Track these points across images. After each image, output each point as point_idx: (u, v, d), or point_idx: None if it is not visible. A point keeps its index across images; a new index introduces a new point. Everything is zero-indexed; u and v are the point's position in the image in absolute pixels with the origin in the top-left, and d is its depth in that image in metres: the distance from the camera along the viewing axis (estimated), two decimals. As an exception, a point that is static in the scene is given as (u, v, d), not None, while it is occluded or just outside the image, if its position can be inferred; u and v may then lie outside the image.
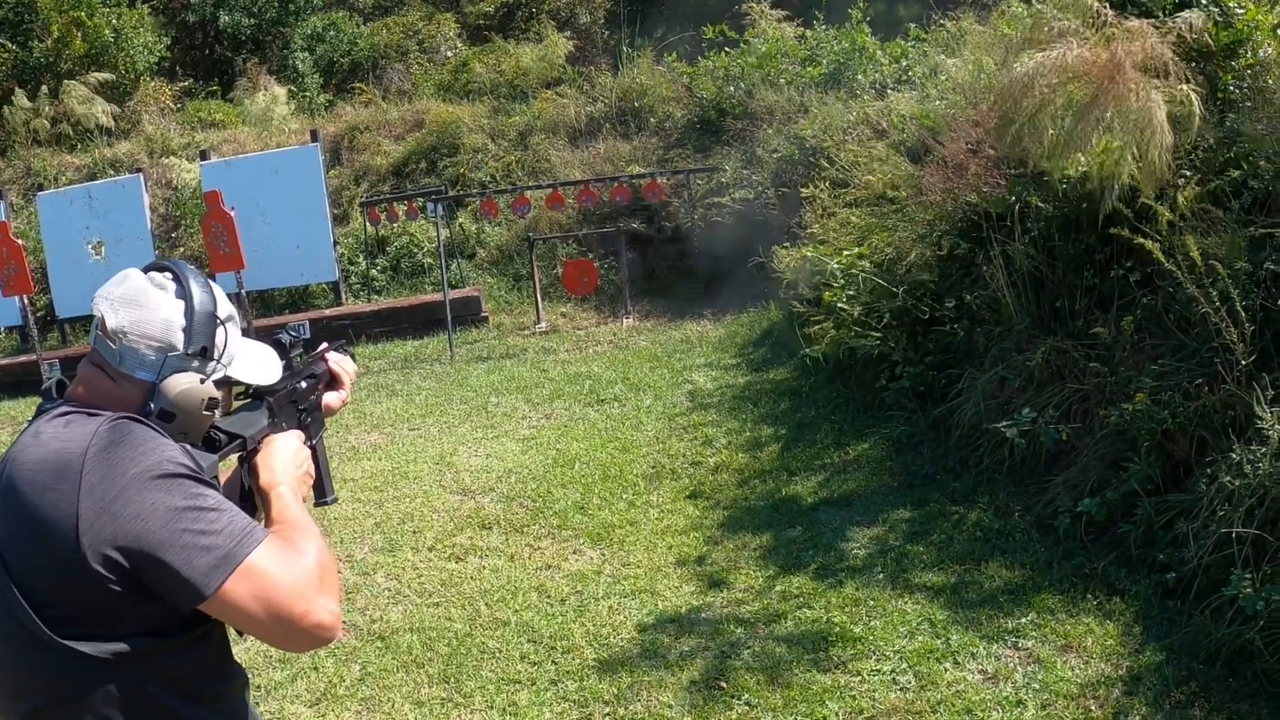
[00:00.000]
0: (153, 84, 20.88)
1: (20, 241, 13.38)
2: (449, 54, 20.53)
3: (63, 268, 15.44)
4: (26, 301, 13.80)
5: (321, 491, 2.61)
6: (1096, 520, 5.27)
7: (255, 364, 2.36)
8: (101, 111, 18.92)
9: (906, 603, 5.09)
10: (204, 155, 15.78)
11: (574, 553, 6.33)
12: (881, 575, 5.41)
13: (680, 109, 15.23)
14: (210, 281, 2.25)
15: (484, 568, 6.29)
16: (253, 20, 22.42)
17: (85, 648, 1.92)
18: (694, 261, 12.84)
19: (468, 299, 13.53)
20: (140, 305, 2.12)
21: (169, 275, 2.19)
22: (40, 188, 16.79)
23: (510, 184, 14.97)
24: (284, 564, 1.99)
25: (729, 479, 7.13)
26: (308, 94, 20.13)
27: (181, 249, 16.35)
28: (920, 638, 4.76)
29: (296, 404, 2.50)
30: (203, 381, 2.13)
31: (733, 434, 7.91)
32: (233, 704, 2.20)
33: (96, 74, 19.59)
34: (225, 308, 2.25)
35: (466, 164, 15.97)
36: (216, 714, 2.13)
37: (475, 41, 20.86)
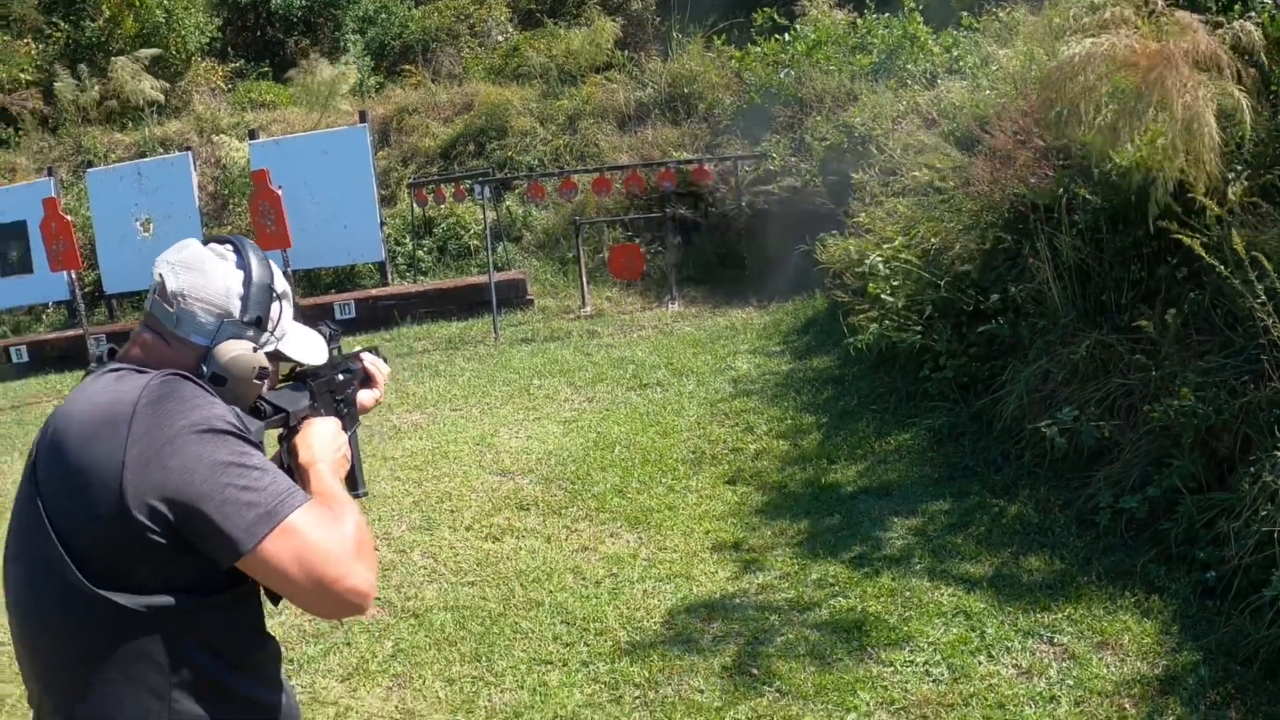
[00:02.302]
0: (204, 64, 21.02)
1: (69, 218, 13.48)
2: (500, 38, 20.53)
3: (111, 244, 15.59)
4: (74, 277, 13.90)
5: (354, 484, 2.61)
6: (1137, 517, 5.21)
7: (305, 344, 2.42)
8: (150, 87, 19.04)
9: (943, 594, 5.05)
10: (252, 134, 15.87)
11: (611, 535, 6.33)
12: (919, 566, 5.38)
13: (729, 95, 15.18)
14: (268, 258, 2.29)
15: (520, 548, 6.30)
16: (304, 2, 22.52)
17: (121, 599, 1.92)
18: (740, 248, 12.78)
19: (513, 282, 13.54)
20: (200, 271, 2.15)
21: (230, 247, 2.24)
22: (90, 165, 16.95)
23: (558, 168, 14.96)
24: (323, 528, 2.01)
25: (769, 465, 7.11)
26: (360, 76, 20.17)
27: (229, 227, 16.47)
28: (955, 630, 4.73)
29: (334, 394, 2.55)
30: (255, 350, 2.17)
31: (774, 421, 7.89)
32: (268, 673, 2.21)
33: (146, 50, 19.72)
34: (281, 284, 2.31)
35: (515, 147, 15.98)
36: (252, 680, 2.14)
37: (526, 26, 20.84)
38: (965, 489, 6.15)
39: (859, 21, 14.52)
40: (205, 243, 2.25)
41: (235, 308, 2.16)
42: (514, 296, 13.41)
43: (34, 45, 21.23)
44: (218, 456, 1.95)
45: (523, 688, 4.75)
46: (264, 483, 1.97)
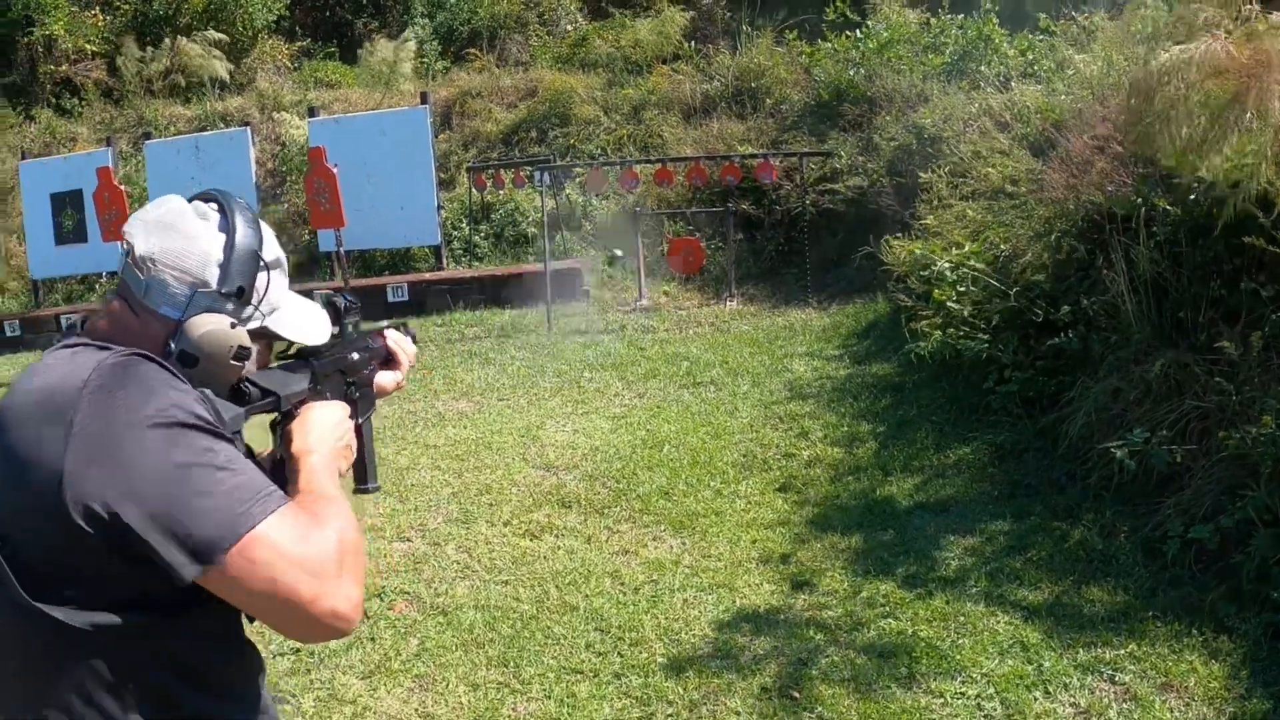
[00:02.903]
0: (269, 42, 21.04)
1: (123, 188, 13.46)
2: (569, 27, 20.40)
3: (166, 216, 15.50)
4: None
5: (363, 476, 2.36)
6: (1208, 548, 4.92)
7: (300, 320, 2.12)
8: (216, 59, 19.06)
9: (999, 621, 4.79)
10: (312, 112, 15.75)
11: (653, 539, 6.12)
12: (974, 589, 5.12)
13: (798, 91, 14.91)
14: (260, 221, 2.02)
15: (559, 548, 6.11)
16: (373, -17, 22.45)
17: (61, 614, 1.66)
18: (803, 247, 12.51)
19: (570, 271, 13.34)
20: (176, 232, 1.89)
21: (214, 205, 1.96)
22: (148, 136, 16.93)
23: (620, 158, 14.77)
24: (299, 538, 1.72)
25: (822, 474, 6.87)
26: (425, 59, 20.13)
27: (285, 204, 16.44)
28: (1010, 661, 4.47)
29: (345, 375, 2.27)
30: (234, 326, 1.88)
31: (829, 427, 7.64)
32: (242, 692, 1.95)
33: (213, 31, 19.75)
34: (272, 250, 2.02)
35: (577, 135, 15.81)
36: (222, 702, 1.88)
37: (595, 16, 20.69)
38: (1026, 509, 5.88)
39: (932, 21, 14.24)
40: (190, 200, 1.97)
41: (212, 276, 1.89)
42: (570, 286, 13.19)
43: (101, 17, 21.33)
44: (173, 455, 1.67)
45: (550, 698, 4.55)
46: (227, 485, 1.69)
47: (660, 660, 4.76)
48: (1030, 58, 12.04)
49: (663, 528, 6.27)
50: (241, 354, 1.89)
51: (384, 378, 2.44)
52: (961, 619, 4.85)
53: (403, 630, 5.27)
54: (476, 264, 14.76)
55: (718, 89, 15.56)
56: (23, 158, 17.39)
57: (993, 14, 13.03)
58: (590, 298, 13.17)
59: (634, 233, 13.05)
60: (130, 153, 17.54)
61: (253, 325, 1.97)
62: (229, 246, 1.91)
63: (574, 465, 7.41)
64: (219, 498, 1.67)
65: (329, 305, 2.27)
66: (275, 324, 2.05)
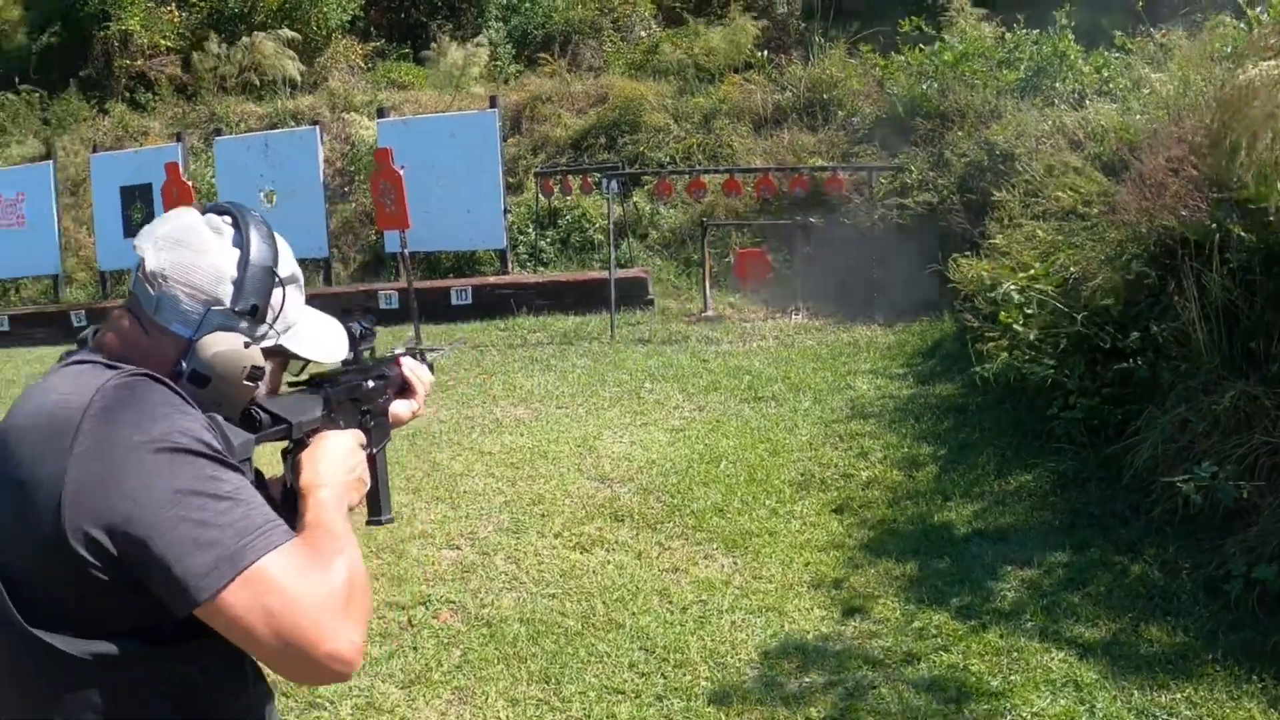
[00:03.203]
0: (343, 42, 21.19)
1: (189, 183, 13.57)
2: (642, 33, 20.36)
3: (234, 213, 15.62)
4: None
5: (377, 508, 2.30)
6: (1271, 590, 4.76)
7: (317, 338, 2.06)
8: (289, 59, 19.23)
9: (1053, 658, 4.66)
10: (381, 113, 15.83)
11: (705, 558, 6.04)
12: (1030, 623, 4.98)
13: (869, 104, 14.76)
14: (276, 235, 1.96)
15: (608, 562, 6.05)
16: (448, -15, 22.58)
17: (59, 643, 1.62)
18: (870, 262, 12.36)
19: (635, 279, 13.30)
20: (187, 247, 1.84)
21: (228, 219, 1.91)
22: (219, 133, 17.08)
23: (689, 166, 14.70)
24: (302, 576, 1.66)
25: (879, 496, 6.75)
26: (499, 62, 20.18)
27: (353, 204, 16.53)
28: (1063, 700, 4.34)
29: (360, 404, 2.21)
30: (247, 345, 1.83)
31: (890, 448, 7.51)
32: None
33: (286, 30, 19.92)
34: (288, 266, 1.97)
35: (646, 143, 15.76)
36: None
37: (670, 23, 20.64)
38: (1087, 541, 5.72)
39: (1007, 36, 14.04)
40: (204, 212, 1.92)
41: (225, 293, 1.83)
42: (634, 295, 13.16)
43: (177, 13, 21.59)
44: (175, 482, 1.61)
45: (589, 717, 4.49)
46: (231, 517, 1.63)
47: (704, 684, 4.69)
48: (1105, 75, 11.82)
49: (715, 546, 6.18)
50: (255, 374, 1.85)
51: (399, 407, 2.40)
52: (1015, 654, 4.73)
53: (445, 640, 5.24)
54: (541, 269, 14.76)
55: (789, 100, 15.45)
56: (94, 150, 17.63)
57: (1068, 30, 12.83)
58: (655, 307, 13.11)
59: (701, 242, 12.98)
60: (201, 148, 17.74)
61: (267, 344, 1.92)
62: (243, 262, 1.86)
63: (629, 478, 7.34)
64: (221, 529, 1.62)
65: (344, 329, 2.20)
66: (291, 342, 1.99)
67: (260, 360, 1.86)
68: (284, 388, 2.11)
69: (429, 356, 2.59)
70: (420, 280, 14.31)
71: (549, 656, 5.01)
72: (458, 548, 6.42)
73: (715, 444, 7.90)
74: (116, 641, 1.65)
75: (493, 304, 13.68)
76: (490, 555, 6.24)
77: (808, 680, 4.67)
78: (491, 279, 14.35)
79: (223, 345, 1.80)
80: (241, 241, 1.88)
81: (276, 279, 1.92)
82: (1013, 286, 7.36)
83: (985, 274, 8.05)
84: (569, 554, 6.19)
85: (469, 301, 13.79)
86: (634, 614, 5.39)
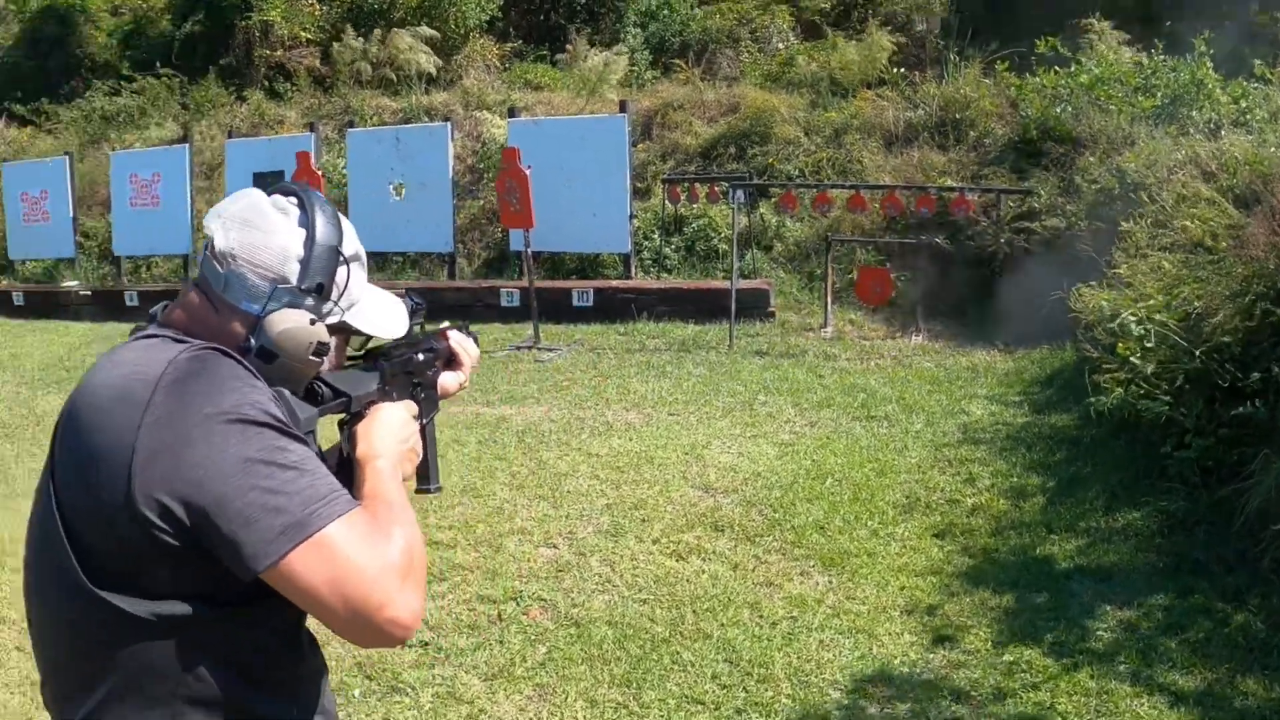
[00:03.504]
0: (480, 41, 21.44)
1: (319, 172, 13.83)
2: (780, 45, 20.30)
3: (363, 204, 15.91)
4: None
5: (426, 477, 2.35)
6: (1382, 649, 4.63)
7: (379, 314, 2.14)
8: (425, 58, 19.51)
9: (1144, 704, 4.54)
10: (512, 112, 15.95)
11: (801, 574, 6.01)
12: (1123, 666, 4.86)
13: (1002, 125, 14.53)
14: (341, 215, 2.02)
15: (703, 571, 6.05)
16: (588, -10, 22.80)
17: (123, 603, 1.70)
18: (994, 286, 12.19)
19: (756, 291, 13.25)
20: (255, 227, 1.91)
21: (294, 200, 1.98)
22: (352, 124, 17.38)
23: (817, 180, 14.62)
24: (365, 544, 1.73)
25: (983, 524, 6.65)
26: (636, 68, 20.27)
27: (481, 201, 16.67)
28: (1151, 747, 4.25)
29: (411, 376, 2.27)
30: (313, 322, 1.90)
31: (998, 476, 7.40)
32: (297, 691, 1.96)
33: (424, 27, 20.21)
34: (352, 245, 2.04)
35: (776, 154, 15.68)
36: (278, 700, 1.89)
37: (808, 36, 20.58)
38: (1190, 586, 5.56)
39: (1145, 61, 13.75)
40: (270, 193, 1.98)
41: (292, 271, 1.90)
42: (755, 307, 13.11)
43: (317, 6, 22.03)
44: (245, 451, 1.69)
45: (667, 725, 4.50)
46: (298, 485, 1.70)
47: (785, 702, 4.67)
48: (1244, 105, 11.54)
49: (812, 563, 6.15)
50: (320, 350, 1.92)
51: (447, 379, 2.43)
52: (1105, 696, 4.62)
53: (532, 637, 5.29)
54: (665, 275, 14.77)
55: (921, 117, 15.27)
56: (229, 136, 18.05)
57: (1207, 57, 12.53)
58: (775, 319, 13.06)
59: (825, 257, 12.91)
60: (335, 139, 18.07)
61: (331, 320, 1.98)
62: (309, 242, 1.92)
63: (733, 489, 7.33)
64: (288, 496, 1.69)
65: None
66: (354, 319, 2.06)
67: (325, 336, 1.93)
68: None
69: (472, 330, 2.61)
70: (543, 280, 14.43)
71: (633, 661, 5.03)
72: (555, 546, 6.47)
73: (823, 460, 7.86)
74: (180, 604, 1.72)
75: (614, 307, 13.73)
76: (586, 556, 6.28)
77: (890, 708, 4.62)
78: (614, 282, 14.42)
79: (289, 322, 1.87)
80: (307, 222, 1.94)
81: (341, 258, 1.98)
82: (1131, 317, 7.21)
83: (1106, 304, 7.89)
84: (665, 560, 6.20)
85: (590, 304, 13.86)
86: (723, 625, 5.38)
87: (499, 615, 5.57)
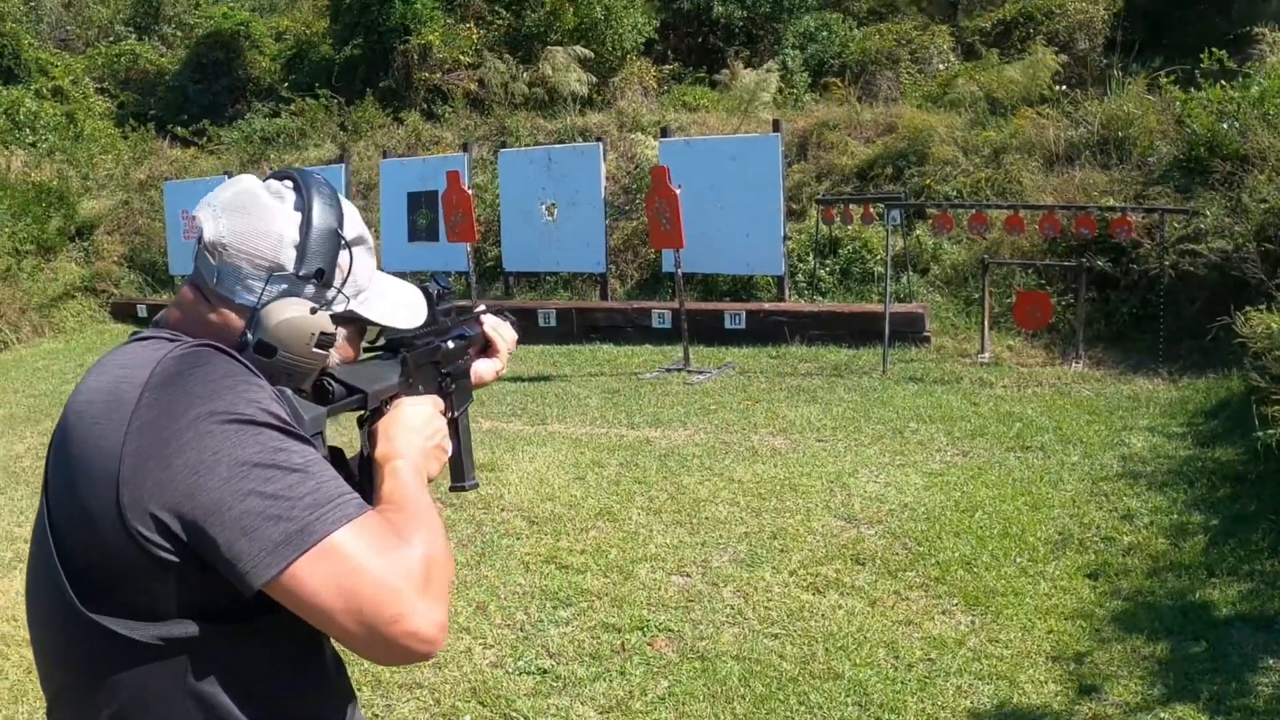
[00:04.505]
0: (638, 63, 21.53)
1: (470, 192, 13.97)
2: (940, 66, 20.00)
3: (515, 223, 16.11)
4: (471, 250, 14.68)
5: (460, 474, 2.22)
6: None
7: (391, 302, 1.99)
8: (577, 80, 19.66)
9: (1308, 767, 4.26)
10: (664, 132, 15.92)
11: (942, 613, 5.77)
12: (1286, 724, 4.56)
13: (1166, 143, 13.95)
14: (342, 198, 1.90)
15: (839, 606, 5.85)
16: (745, 12, 22.84)
17: (121, 627, 1.57)
18: (1157, 311, 11.72)
19: (911, 315, 12.97)
20: (246, 213, 1.77)
21: (289, 183, 1.85)
22: (504, 145, 17.53)
23: (975, 201, 14.27)
24: (379, 550, 1.58)
25: (1139, 564, 6.32)
26: (794, 89, 20.15)
27: (635, 222, 16.71)
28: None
29: (439, 366, 2.13)
30: (315, 311, 1.77)
31: (1158, 513, 7.04)
32: (320, 716, 1.81)
33: (578, 48, 20.38)
34: (354, 228, 1.90)
35: (933, 175, 15.39)
36: None
37: (968, 56, 20.27)
38: (1363, 638, 5.22)
39: (1319, 75, 13.13)
40: (265, 179, 1.85)
41: (288, 259, 1.76)
42: (910, 331, 12.83)
43: (475, 30, 22.33)
44: (241, 454, 1.55)
45: (790, 772, 4.32)
46: (301, 490, 1.56)
47: (917, 754, 4.46)
48: None
49: (955, 601, 5.91)
50: (324, 341, 1.79)
51: (482, 366, 2.31)
52: (1264, 759, 4.33)
53: (655, 669, 5.17)
54: (819, 298, 14.56)
55: (1082, 136, 14.79)
56: (384, 156, 18.37)
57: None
58: (930, 344, 12.79)
59: (982, 281, 12.58)
60: (489, 159, 18.27)
61: (337, 309, 1.85)
62: (305, 225, 1.79)
63: (877, 520, 7.12)
64: (291, 502, 1.55)
65: (422, 291, 2.13)
66: (362, 307, 1.93)
67: (329, 326, 1.80)
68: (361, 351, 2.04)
69: (509, 314, 2.47)
70: (694, 302, 14.35)
71: (758, 700, 4.86)
72: (687, 575, 6.34)
73: (973, 492, 7.60)
74: (183, 625, 1.60)
75: (766, 330, 13.58)
76: (719, 586, 6.13)
77: (1030, 762, 4.39)
78: (766, 305, 14.25)
79: (288, 312, 1.74)
80: (303, 205, 1.81)
81: (342, 241, 1.85)
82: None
83: (1277, 329, 7.50)
84: (800, 594, 6.02)
85: (742, 326, 13.74)
86: (855, 665, 5.18)
87: (623, 645, 5.46)
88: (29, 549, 1.75)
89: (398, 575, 1.58)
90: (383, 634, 1.56)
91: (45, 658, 1.72)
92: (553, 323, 14.91)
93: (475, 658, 5.42)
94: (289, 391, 1.72)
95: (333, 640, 1.72)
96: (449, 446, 2.05)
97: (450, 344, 2.18)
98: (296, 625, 1.63)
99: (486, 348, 2.34)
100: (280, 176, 1.87)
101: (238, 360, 1.68)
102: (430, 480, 1.93)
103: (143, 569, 1.56)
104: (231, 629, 1.62)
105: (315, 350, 1.77)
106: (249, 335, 1.73)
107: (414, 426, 1.92)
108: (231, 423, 1.57)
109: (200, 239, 1.77)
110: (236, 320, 1.76)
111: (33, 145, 22.57)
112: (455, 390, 2.19)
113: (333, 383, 1.87)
